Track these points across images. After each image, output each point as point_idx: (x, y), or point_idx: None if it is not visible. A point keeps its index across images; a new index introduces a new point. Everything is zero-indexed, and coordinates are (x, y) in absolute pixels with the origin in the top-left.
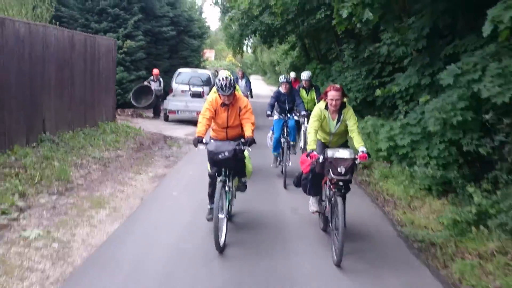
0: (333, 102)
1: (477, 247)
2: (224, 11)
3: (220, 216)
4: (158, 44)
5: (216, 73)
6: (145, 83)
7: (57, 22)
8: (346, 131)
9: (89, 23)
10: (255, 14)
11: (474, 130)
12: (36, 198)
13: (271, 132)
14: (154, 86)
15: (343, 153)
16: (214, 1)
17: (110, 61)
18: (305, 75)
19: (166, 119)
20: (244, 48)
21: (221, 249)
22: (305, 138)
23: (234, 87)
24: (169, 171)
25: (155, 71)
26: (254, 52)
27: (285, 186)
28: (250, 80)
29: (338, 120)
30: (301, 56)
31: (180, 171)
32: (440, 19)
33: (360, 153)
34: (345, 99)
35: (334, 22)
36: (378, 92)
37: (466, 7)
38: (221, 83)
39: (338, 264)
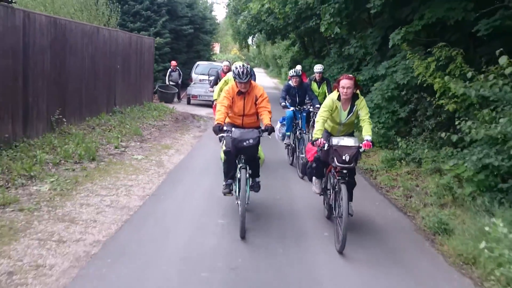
0: (345, 91)
1: (396, 171)
2: (235, 12)
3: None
4: (178, 40)
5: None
6: (167, 81)
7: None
8: (353, 122)
9: (126, 23)
10: (262, 18)
11: (398, 101)
12: (128, 143)
13: (279, 124)
14: (173, 75)
15: (348, 141)
16: (227, 4)
17: (151, 55)
18: (318, 67)
19: (189, 102)
20: (249, 42)
21: (243, 235)
22: None
23: (251, 75)
24: (203, 134)
25: (173, 62)
26: (258, 46)
27: (302, 177)
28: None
29: (350, 111)
30: (301, 51)
31: (211, 135)
32: (387, 31)
33: (365, 142)
34: (357, 91)
35: (321, 29)
36: None
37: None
38: (238, 71)
39: (341, 252)
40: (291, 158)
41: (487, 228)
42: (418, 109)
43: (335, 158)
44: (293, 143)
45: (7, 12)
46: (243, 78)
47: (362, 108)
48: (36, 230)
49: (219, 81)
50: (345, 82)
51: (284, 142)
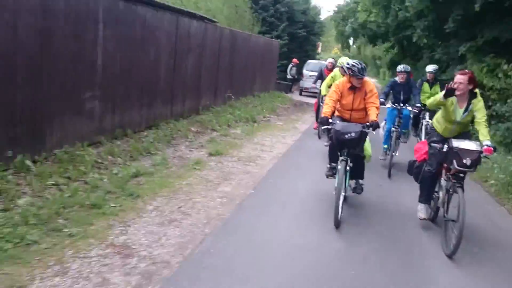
0: (456, 86)
1: None
2: (342, 19)
3: (342, 193)
4: (292, 42)
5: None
6: (288, 75)
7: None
8: (469, 123)
9: (253, 28)
10: (367, 26)
11: None
12: (269, 116)
13: (384, 122)
14: (293, 70)
15: (469, 145)
16: (336, 11)
17: (276, 54)
18: (431, 67)
19: (300, 93)
20: (350, 43)
21: (338, 224)
22: (426, 130)
23: (366, 71)
24: None
25: (295, 60)
26: (358, 47)
27: (389, 176)
28: None
29: (465, 110)
30: (399, 53)
31: None
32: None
33: (485, 147)
34: (476, 90)
35: (413, 39)
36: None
37: None
38: (357, 67)
39: (451, 256)
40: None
41: None
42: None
43: (454, 161)
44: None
45: (215, 28)
46: (361, 74)
47: (479, 109)
48: (246, 146)
49: (322, 77)
50: (457, 77)
51: (383, 145)
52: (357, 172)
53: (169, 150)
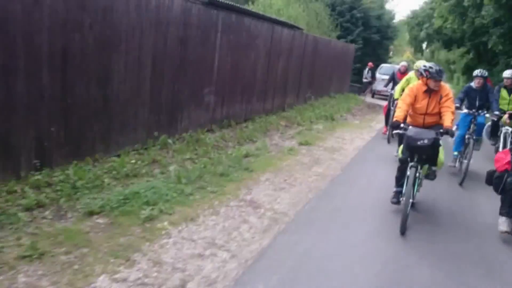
0: None
1: None
2: (417, 24)
3: (410, 200)
4: (366, 46)
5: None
6: (364, 79)
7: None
8: None
9: (330, 33)
10: (443, 32)
11: None
12: (345, 115)
13: (455, 127)
14: (369, 74)
15: None
16: (411, 16)
17: (351, 57)
18: (508, 73)
19: (373, 96)
20: (423, 47)
21: (403, 231)
22: (504, 140)
23: (443, 73)
24: None
25: (370, 64)
26: (432, 52)
27: (461, 183)
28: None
29: None
30: (475, 58)
31: None
32: None
33: None
34: None
35: (488, 45)
36: None
37: None
38: (434, 69)
39: None
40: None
41: None
42: None
43: None
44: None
45: (301, 35)
46: (439, 76)
47: None
48: (329, 139)
49: (394, 80)
50: None
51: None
52: (431, 159)
53: (266, 139)
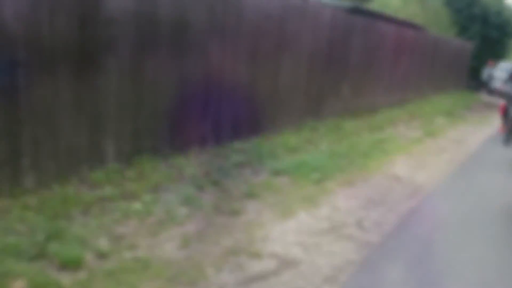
0: None
1: None
2: None
3: None
4: (483, 43)
5: None
6: (484, 76)
7: None
8: None
9: (448, 30)
10: None
11: None
12: (461, 112)
13: None
14: (487, 71)
15: None
16: None
17: (467, 55)
18: None
19: (490, 93)
20: None
21: None
22: None
23: None
24: None
25: (491, 62)
26: None
27: None
28: None
29: None
30: None
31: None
32: None
33: None
34: None
35: None
36: None
37: None
38: None
39: None
40: None
41: None
42: None
43: None
44: None
45: (423, 35)
46: None
47: None
48: (451, 131)
49: None
50: None
51: None
52: None
53: (393, 129)
